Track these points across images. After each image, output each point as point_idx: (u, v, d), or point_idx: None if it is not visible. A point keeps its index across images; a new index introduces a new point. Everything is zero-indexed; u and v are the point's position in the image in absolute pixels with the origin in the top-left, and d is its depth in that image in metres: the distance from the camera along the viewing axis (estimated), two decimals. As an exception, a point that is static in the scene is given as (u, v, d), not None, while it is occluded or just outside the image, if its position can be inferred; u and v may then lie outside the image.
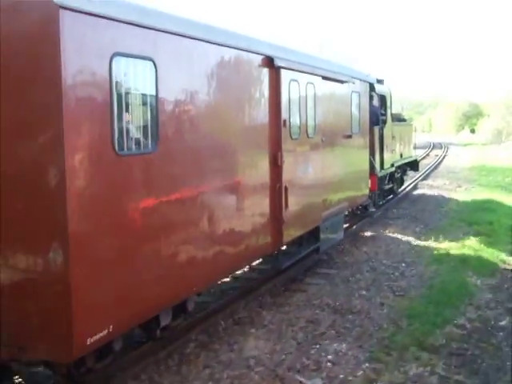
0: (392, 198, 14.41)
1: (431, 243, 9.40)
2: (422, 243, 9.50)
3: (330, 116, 8.15)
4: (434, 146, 39.44)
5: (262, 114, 6.14)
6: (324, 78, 7.65)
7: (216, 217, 5.27)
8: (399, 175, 14.61)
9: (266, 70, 6.19)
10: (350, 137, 8.93)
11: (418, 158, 17.11)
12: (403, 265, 8.20)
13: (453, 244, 9.22)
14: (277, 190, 6.46)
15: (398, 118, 15.14)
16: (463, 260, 8.16)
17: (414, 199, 14.95)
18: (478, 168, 22.14)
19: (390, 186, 13.71)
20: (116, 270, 4.01)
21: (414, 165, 16.15)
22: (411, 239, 9.84)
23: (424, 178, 19.87)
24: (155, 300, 4.48)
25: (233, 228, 5.59)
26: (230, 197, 5.58)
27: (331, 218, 8.40)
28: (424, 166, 22.50)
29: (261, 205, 6.19)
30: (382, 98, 12.29)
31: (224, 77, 5.35)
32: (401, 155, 14.17)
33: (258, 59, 6.01)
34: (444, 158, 28.70)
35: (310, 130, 7.27)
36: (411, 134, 15.53)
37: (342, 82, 8.40)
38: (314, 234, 7.95)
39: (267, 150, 6.32)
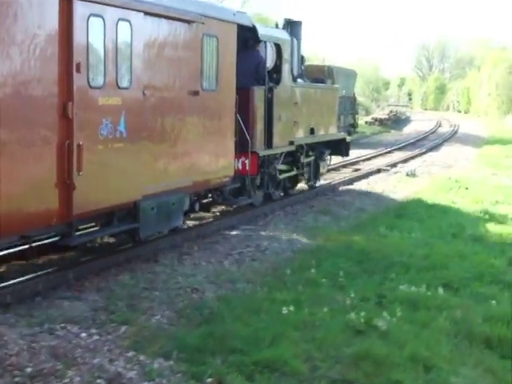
0: (297, 194, 17.28)
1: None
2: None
3: (162, 65, 10.74)
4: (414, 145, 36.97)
5: (47, 56, 8.58)
6: (148, 13, 10.26)
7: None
8: (310, 160, 17.49)
9: (54, 1, 8.74)
10: (196, 94, 11.60)
11: (349, 137, 20.10)
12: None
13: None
14: (65, 148, 9.00)
15: (316, 78, 18.11)
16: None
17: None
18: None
19: (292, 173, 16.56)
20: None
21: (339, 147, 19.16)
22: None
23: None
24: None
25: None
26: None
27: (162, 197, 11.03)
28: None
29: (37, 166, 8.51)
30: (276, 49, 15.11)
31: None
32: (311, 130, 17.05)
33: (42, -14, 8.53)
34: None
35: (123, 80, 9.84)
36: (334, 103, 18.48)
37: (181, 20, 11.06)
38: (132, 214, 10.59)
39: (55, 99, 8.84)
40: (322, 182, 19.14)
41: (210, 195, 13.81)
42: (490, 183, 21.34)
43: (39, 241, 10.25)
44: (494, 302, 9.25)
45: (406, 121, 63.21)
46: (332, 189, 19.22)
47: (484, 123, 63.28)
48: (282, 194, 16.85)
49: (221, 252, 11.57)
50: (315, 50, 78.91)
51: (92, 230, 10.84)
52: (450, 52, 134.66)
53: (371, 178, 22.32)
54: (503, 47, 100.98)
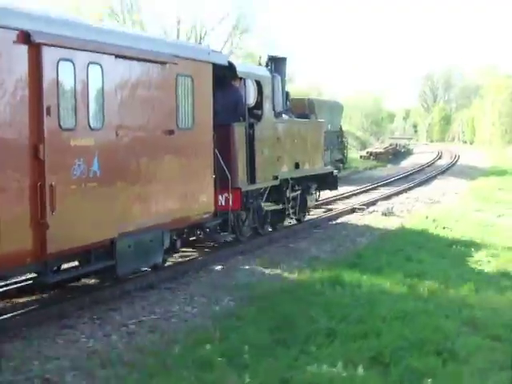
0: (282, 228, 17.55)
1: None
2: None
3: (135, 106, 11.09)
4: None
5: (17, 100, 8.93)
6: (120, 56, 10.64)
7: None
8: (297, 194, 17.80)
9: (23, 48, 9.11)
10: (171, 133, 11.94)
11: (336, 171, 20.44)
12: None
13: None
14: (38, 189, 9.33)
15: (301, 114, 18.50)
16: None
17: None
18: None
19: (277, 207, 16.85)
20: None
21: (328, 181, 19.47)
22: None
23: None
24: None
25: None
26: None
27: (139, 234, 11.33)
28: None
29: (10, 207, 8.79)
30: (257, 85, 15.49)
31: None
32: (296, 165, 17.38)
33: (10, 35, 8.93)
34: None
35: (95, 121, 10.19)
36: (319, 137, 18.82)
37: (154, 62, 11.44)
38: (109, 252, 10.88)
39: (26, 142, 9.18)
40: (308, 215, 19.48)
41: (198, 232, 14.13)
42: (473, 221, 19.56)
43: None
44: (429, 380, 7.44)
45: (406, 154, 62.94)
46: (290, 234, 17.45)
47: (487, 153, 63.11)
48: (270, 228, 17.15)
49: (116, 322, 9.87)
50: (313, 82, 79.29)
51: (70, 268, 11.15)
52: (455, 81, 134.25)
53: (341, 220, 20.25)
54: (507, 75, 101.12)
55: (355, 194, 27.32)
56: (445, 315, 9.85)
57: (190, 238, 14.46)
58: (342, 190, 26.54)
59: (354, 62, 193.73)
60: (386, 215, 21.03)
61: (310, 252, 15.34)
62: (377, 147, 56.98)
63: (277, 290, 11.33)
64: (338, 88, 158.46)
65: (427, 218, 19.98)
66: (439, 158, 57.86)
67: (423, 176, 37.82)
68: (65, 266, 11.27)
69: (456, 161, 53.63)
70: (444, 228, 18.03)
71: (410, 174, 39.44)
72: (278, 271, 13.19)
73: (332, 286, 11.47)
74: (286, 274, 12.90)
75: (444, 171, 42.38)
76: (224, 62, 13.94)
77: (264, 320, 9.50)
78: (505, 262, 13.93)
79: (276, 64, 17.77)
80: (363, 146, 59.90)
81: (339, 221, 20.14)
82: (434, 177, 37.67)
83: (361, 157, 51.52)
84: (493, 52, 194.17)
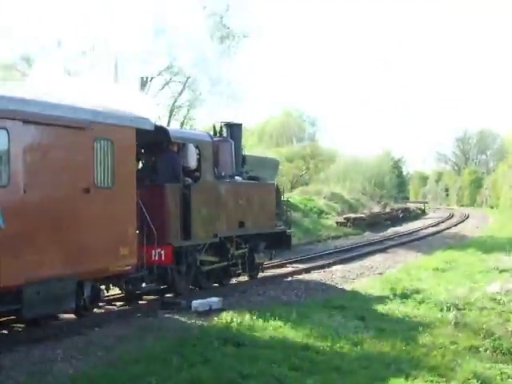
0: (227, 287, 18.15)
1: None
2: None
3: (47, 166, 12.01)
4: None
5: None
6: (28, 122, 11.69)
7: None
8: (244, 251, 18.53)
9: None
10: (87, 191, 12.86)
11: (289, 231, 21.11)
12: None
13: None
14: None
15: (251, 176, 19.36)
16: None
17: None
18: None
19: (220, 264, 17.60)
20: None
21: (281, 240, 20.20)
22: None
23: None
24: None
25: None
26: None
27: (49, 282, 12.19)
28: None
29: None
30: (196, 149, 16.44)
31: None
32: (241, 224, 18.15)
33: None
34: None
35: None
36: (267, 197, 19.60)
37: (68, 127, 12.45)
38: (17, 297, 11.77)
39: None
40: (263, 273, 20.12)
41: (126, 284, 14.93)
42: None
43: None
44: None
45: (411, 218, 60.35)
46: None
47: (497, 220, 60.38)
48: (215, 284, 17.91)
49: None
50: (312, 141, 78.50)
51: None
52: (488, 143, 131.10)
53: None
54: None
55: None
56: None
57: (120, 289, 15.29)
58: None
59: (380, 121, 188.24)
60: (203, 314, 14.71)
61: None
62: (363, 212, 51.32)
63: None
64: (351, 147, 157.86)
65: (236, 323, 13.52)
66: (435, 225, 53.36)
67: (375, 247, 32.38)
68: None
69: (449, 228, 49.83)
70: (238, 345, 11.95)
71: (364, 245, 33.77)
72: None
73: None
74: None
75: (411, 241, 37.09)
76: (150, 127, 14.84)
77: None
78: None
79: (231, 129, 18.84)
80: (354, 210, 54.23)
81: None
82: (384, 249, 31.63)
83: (337, 223, 45.54)
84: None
